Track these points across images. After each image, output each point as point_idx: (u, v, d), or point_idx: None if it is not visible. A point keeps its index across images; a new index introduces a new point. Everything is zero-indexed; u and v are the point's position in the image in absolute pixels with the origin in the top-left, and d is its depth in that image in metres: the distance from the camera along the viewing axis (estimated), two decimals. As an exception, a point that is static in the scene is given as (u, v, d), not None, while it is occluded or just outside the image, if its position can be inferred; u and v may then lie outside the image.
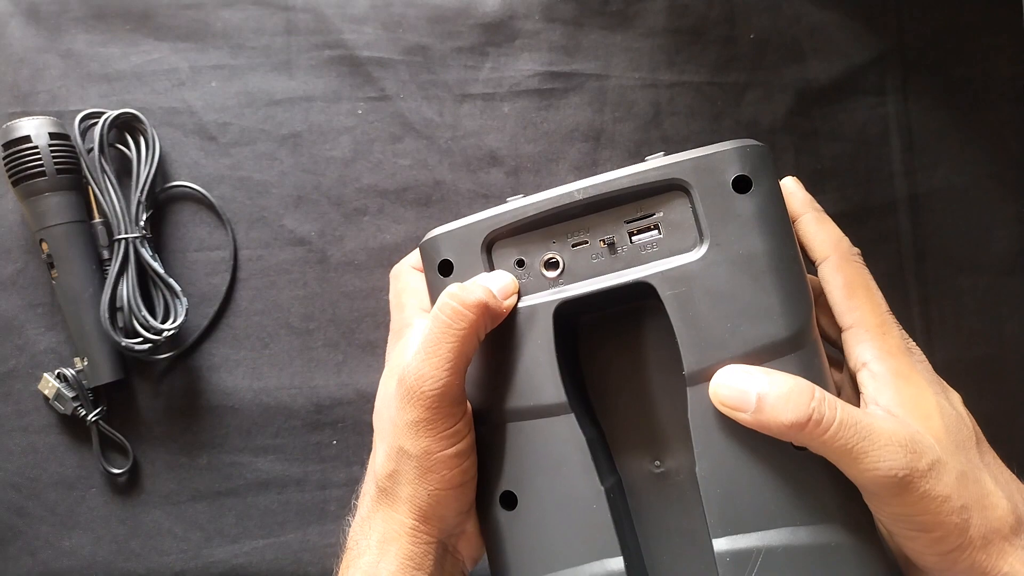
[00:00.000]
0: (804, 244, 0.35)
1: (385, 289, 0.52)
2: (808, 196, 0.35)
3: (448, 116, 0.53)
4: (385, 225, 0.52)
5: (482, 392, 0.34)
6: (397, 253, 0.52)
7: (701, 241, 0.32)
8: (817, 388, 0.29)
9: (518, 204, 0.34)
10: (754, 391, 0.29)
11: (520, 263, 0.34)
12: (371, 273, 0.52)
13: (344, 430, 0.51)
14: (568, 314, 0.34)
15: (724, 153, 0.31)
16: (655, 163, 0.32)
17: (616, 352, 0.35)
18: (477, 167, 0.53)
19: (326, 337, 0.52)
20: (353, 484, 0.51)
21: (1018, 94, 0.53)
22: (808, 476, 0.30)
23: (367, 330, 0.52)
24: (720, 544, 0.30)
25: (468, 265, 0.34)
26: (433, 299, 0.36)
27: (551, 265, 0.34)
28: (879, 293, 0.34)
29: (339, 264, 0.52)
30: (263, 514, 0.51)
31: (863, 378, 0.32)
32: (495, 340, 0.34)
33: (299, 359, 0.52)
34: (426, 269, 0.36)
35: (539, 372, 0.33)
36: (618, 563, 0.32)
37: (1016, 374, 0.52)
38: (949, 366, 0.51)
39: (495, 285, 0.33)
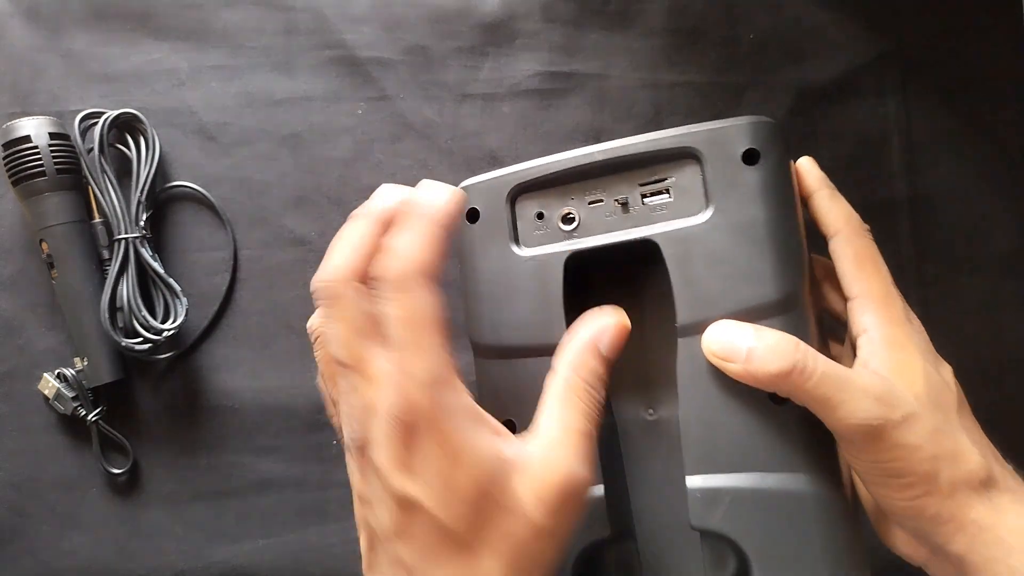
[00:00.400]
0: (817, 219, 0.36)
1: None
2: (822, 174, 0.37)
3: (448, 116, 0.53)
4: (385, 225, 0.52)
5: (493, 329, 0.36)
6: (397, 253, 0.52)
7: (707, 206, 0.34)
8: (801, 342, 0.31)
9: (543, 161, 0.36)
10: (744, 344, 0.31)
11: (540, 215, 0.37)
12: (371, 273, 0.52)
13: (344, 430, 0.51)
14: (579, 267, 0.36)
15: (737, 127, 0.34)
16: (671, 131, 0.35)
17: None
18: (477, 167, 0.53)
19: (326, 337, 0.52)
20: (353, 484, 0.52)
21: (1018, 94, 0.53)
22: (781, 428, 0.32)
23: (367, 330, 0.52)
24: (693, 481, 0.33)
25: (493, 214, 0.37)
26: (460, 247, 0.38)
27: (568, 219, 0.36)
28: (885, 267, 0.35)
29: (339, 264, 0.52)
30: (263, 514, 0.51)
31: (861, 343, 0.34)
32: (510, 283, 0.36)
33: (299, 359, 0.52)
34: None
35: (547, 314, 0.35)
36: (599, 490, 0.34)
37: (1016, 374, 0.52)
38: (949, 366, 0.52)
39: (609, 336, 0.32)
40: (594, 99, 0.53)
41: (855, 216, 0.36)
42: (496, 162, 0.53)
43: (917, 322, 0.36)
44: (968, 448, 0.31)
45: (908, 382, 0.32)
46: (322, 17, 0.53)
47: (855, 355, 0.34)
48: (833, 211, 0.36)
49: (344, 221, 0.52)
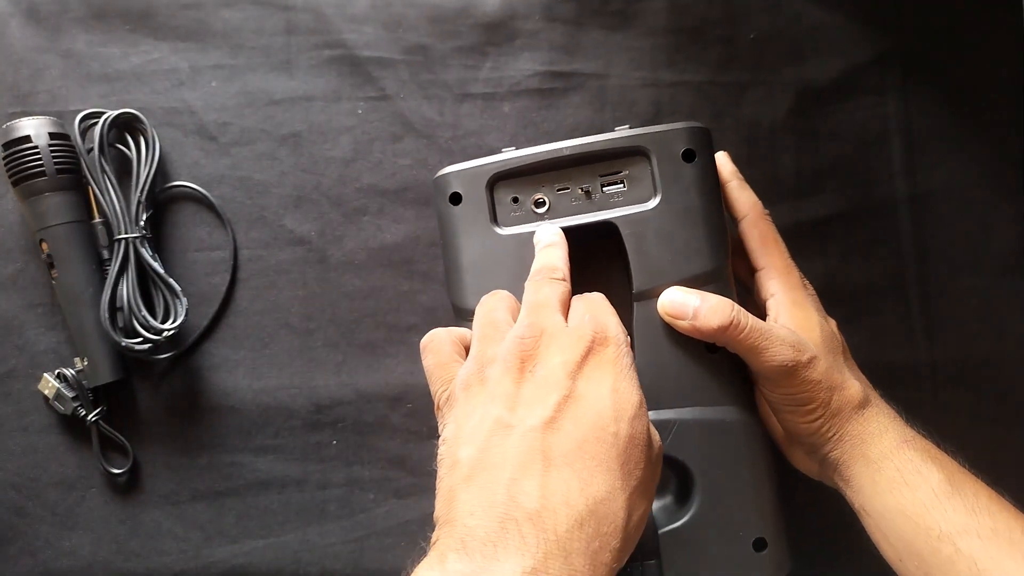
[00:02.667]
0: (729, 204, 0.45)
1: (385, 288, 0.52)
2: (734, 167, 0.46)
3: (448, 116, 0.53)
4: (385, 225, 0.52)
5: (475, 296, 0.40)
6: (397, 253, 0.52)
7: (655, 194, 0.41)
8: (735, 303, 0.39)
9: (518, 153, 0.42)
10: (692, 305, 0.39)
11: (515, 200, 0.42)
12: (371, 273, 0.52)
13: (344, 430, 0.51)
14: None
15: (677, 130, 0.42)
16: (626, 132, 0.42)
17: (581, 279, 0.42)
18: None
19: (326, 337, 0.52)
20: (352, 484, 0.52)
21: (1018, 94, 0.53)
22: (714, 372, 0.41)
23: (367, 330, 0.52)
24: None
25: (474, 198, 0.42)
26: (443, 226, 0.43)
27: (539, 204, 0.42)
28: (783, 244, 0.45)
29: (339, 264, 0.52)
30: (263, 514, 0.51)
31: (770, 305, 0.43)
32: (491, 257, 0.42)
33: (299, 359, 0.52)
34: (438, 200, 0.43)
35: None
36: None
37: (1016, 374, 0.52)
38: (949, 366, 0.52)
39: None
40: (594, 98, 0.53)
41: (758, 203, 0.45)
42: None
43: (810, 287, 0.44)
44: (850, 380, 0.41)
45: (808, 332, 0.41)
46: (322, 17, 0.53)
47: (765, 315, 0.43)
48: (741, 199, 0.45)
49: (344, 221, 0.52)
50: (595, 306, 0.35)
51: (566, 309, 0.35)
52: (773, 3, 0.53)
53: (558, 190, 0.42)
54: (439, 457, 0.31)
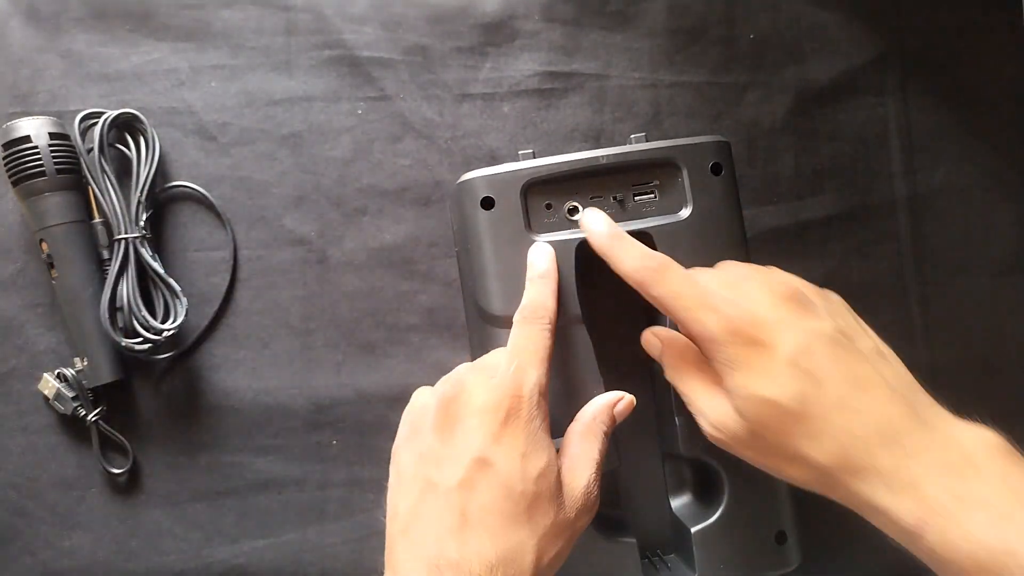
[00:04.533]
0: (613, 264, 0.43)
1: (385, 288, 0.52)
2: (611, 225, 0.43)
3: (448, 116, 0.53)
4: (385, 225, 0.52)
5: (507, 302, 0.41)
6: (397, 253, 0.52)
7: (686, 205, 0.43)
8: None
9: (554, 160, 0.43)
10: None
11: (548, 206, 0.43)
12: (371, 273, 0.52)
13: (344, 430, 0.51)
14: (580, 256, 0.42)
15: (707, 144, 0.43)
16: (660, 144, 0.43)
17: (607, 291, 0.43)
18: (477, 167, 0.52)
19: (326, 337, 0.52)
20: (352, 484, 0.51)
21: (1018, 94, 0.53)
22: None
23: (367, 330, 0.52)
24: (679, 420, 0.43)
25: (508, 203, 0.42)
26: (469, 230, 0.43)
27: (573, 211, 0.43)
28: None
29: (339, 264, 0.52)
30: (263, 514, 0.51)
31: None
32: (524, 263, 0.41)
33: (299, 359, 0.52)
34: (464, 204, 0.43)
35: (564, 291, 0.42)
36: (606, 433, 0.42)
37: (1016, 374, 0.52)
38: (949, 366, 0.52)
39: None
40: (594, 99, 0.53)
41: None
42: (496, 162, 0.53)
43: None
44: None
45: None
46: (322, 17, 0.53)
47: None
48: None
49: (344, 221, 0.52)
50: (523, 354, 0.37)
51: (549, 355, 0.38)
52: (773, 3, 0.53)
53: (591, 198, 0.43)
54: (387, 503, 0.37)
